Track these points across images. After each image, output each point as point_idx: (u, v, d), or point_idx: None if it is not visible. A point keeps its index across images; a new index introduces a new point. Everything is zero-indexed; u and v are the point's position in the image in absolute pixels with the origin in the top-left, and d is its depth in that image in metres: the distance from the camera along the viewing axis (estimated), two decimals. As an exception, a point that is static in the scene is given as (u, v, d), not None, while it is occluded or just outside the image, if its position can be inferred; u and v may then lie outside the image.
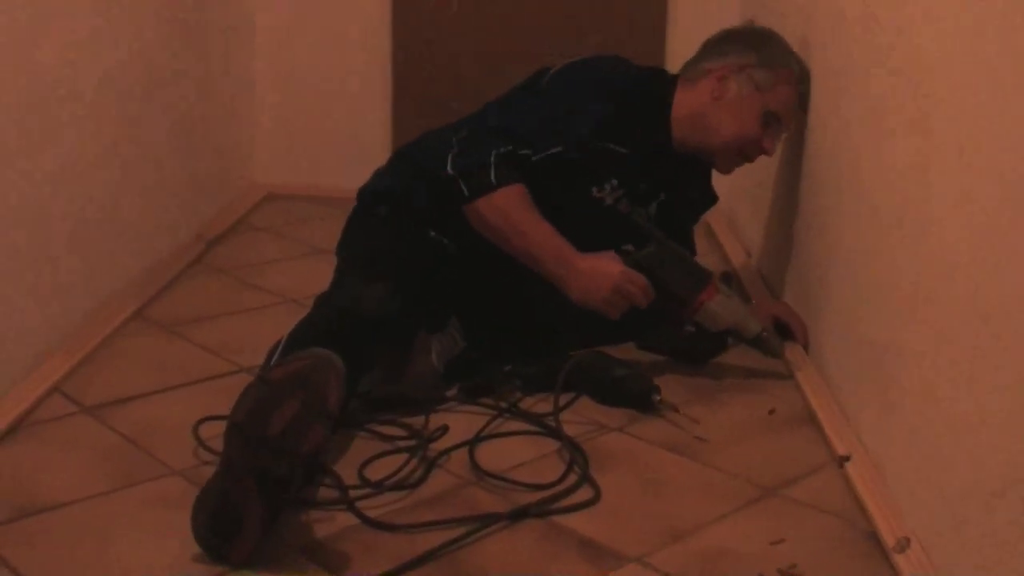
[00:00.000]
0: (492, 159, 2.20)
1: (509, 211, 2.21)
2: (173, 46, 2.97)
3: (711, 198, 2.58)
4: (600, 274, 2.20)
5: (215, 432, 1.92)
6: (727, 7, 3.29)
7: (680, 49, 2.75)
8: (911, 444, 1.68)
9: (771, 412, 2.14)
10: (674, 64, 2.73)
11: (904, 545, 1.61)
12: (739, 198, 3.21)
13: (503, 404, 2.12)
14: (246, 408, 1.59)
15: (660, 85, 2.42)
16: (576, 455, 1.92)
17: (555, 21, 3.58)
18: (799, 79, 2.38)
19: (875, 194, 1.92)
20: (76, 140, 2.40)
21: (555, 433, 2.01)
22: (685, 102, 2.37)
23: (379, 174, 2.44)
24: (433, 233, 2.29)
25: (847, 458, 1.90)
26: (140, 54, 2.74)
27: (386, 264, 2.20)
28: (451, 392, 2.18)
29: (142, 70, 2.76)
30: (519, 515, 1.74)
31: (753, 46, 2.38)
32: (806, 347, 2.36)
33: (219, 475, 1.61)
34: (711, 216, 3.27)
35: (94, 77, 2.48)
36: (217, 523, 1.58)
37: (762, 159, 2.45)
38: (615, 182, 2.33)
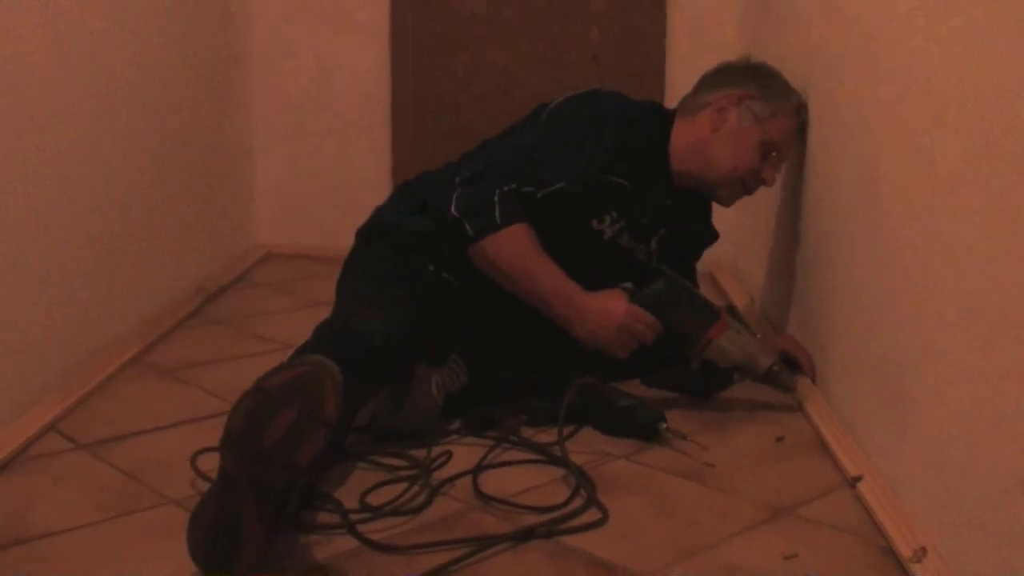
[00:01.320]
0: (496, 198, 2.19)
1: (514, 251, 2.19)
2: (177, 105, 2.98)
3: (712, 234, 2.57)
4: (606, 313, 2.17)
5: (213, 465, 1.89)
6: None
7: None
8: (924, 455, 1.65)
9: (779, 440, 2.11)
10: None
11: (921, 555, 1.56)
12: (741, 242, 3.20)
13: (512, 438, 2.08)
14: (241, 418, 1.54)
15: (658, 118, 2.42)
16: (582, 480, 1.88)
17: (556, 81, 3.59)
18: (797, 110, 2.38)
19: (876, 217, 1.90)
20: (80, 189, 2.39)
21: (560, 460, 1.97)
22: (684, 134, 2.37)
23: (378, 210, 2.42)
24: (432, 267, 2.26)
25: (859, 478, 1.86)
26: (145, 112, 2.75)
27: (386, 294, 2.17)
28: (455, 426, 2.15)
29: (148, 128, 2.77)
30: (525, 536, 1.69)
31: (751, 78, 2.38)
32: (814, 379, 2.32)
33: (215, 488, 1.57)
34: (714, 263, 3.27)
35: (100, 130, 2.48)
36: (215, 538, 1.53)
37: (763, 196, 2.44)
38: (615, 214, 2.32)
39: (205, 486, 1.83)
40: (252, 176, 3.70)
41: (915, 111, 1.72)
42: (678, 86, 3.25)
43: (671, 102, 3.08)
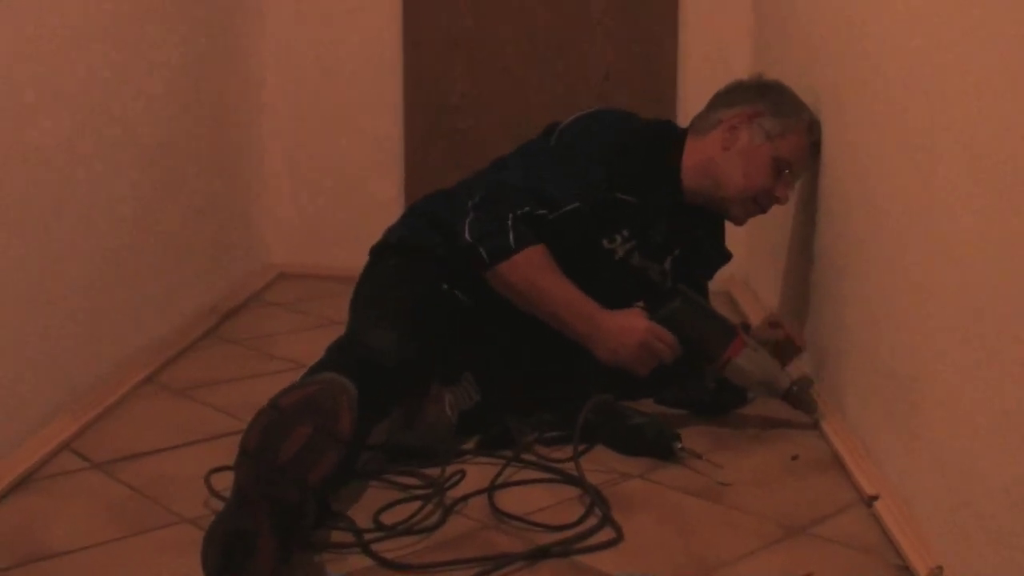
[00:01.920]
0: (510, 222, 2.17)
1: (531, 273, 2.17)
2: (192, 127, 2.99)
3: (724, 255, 2.56)
4: (627, 331, 2.17)
5: (227, 484, 1.89)
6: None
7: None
8: (937, 470, 1.64)
9: (794, 458, 2.10)
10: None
11: (937, 574, 1.55)
12: (754, 258, 3.19)
13: (525, 457, 2.08)
14: (256, 436, 1.55)
15: (669, 136, 2.41)
16: (597, 498, 1.87)
17: (570, 99, 3.59)
18: (809, 128, 2.37)
19: (884, 230, 1.90)
20: (94, 208, 2.40)
21: (574, 479, 1.96)
22: (695, 152, 2.36)
23: (390, 229, 2.42)
24: (446, 286, 2.26)
25: (875, 497, 1.85)
26: (161, 133, 2.76)
27: (398, 312, 2.17)
28: (469, 444, 2.14)
29: (163, 149, 2.78)
30: (540, 555, 1.69)
31: (762, 95, 2.37)
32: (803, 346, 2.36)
33: (230, 506, 1.57)
34: (728, 280, 3.26)
35: (114, 150, 2.49)
36: (229, 555, 1.53)
37: (776, 213, 2.43)
38: (625, 233, 2.31)
39: (219, 505, 1.84)
40: (266, 196, 3.70)
41: (918, 124, 1.72)
42: (690, 103, 3.26)
43: (683, 120, 3.06)
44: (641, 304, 2.25)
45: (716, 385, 2.27)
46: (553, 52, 3.62)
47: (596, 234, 2.30)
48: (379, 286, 2.31)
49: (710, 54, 3.53)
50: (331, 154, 3.76)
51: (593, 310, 2.18)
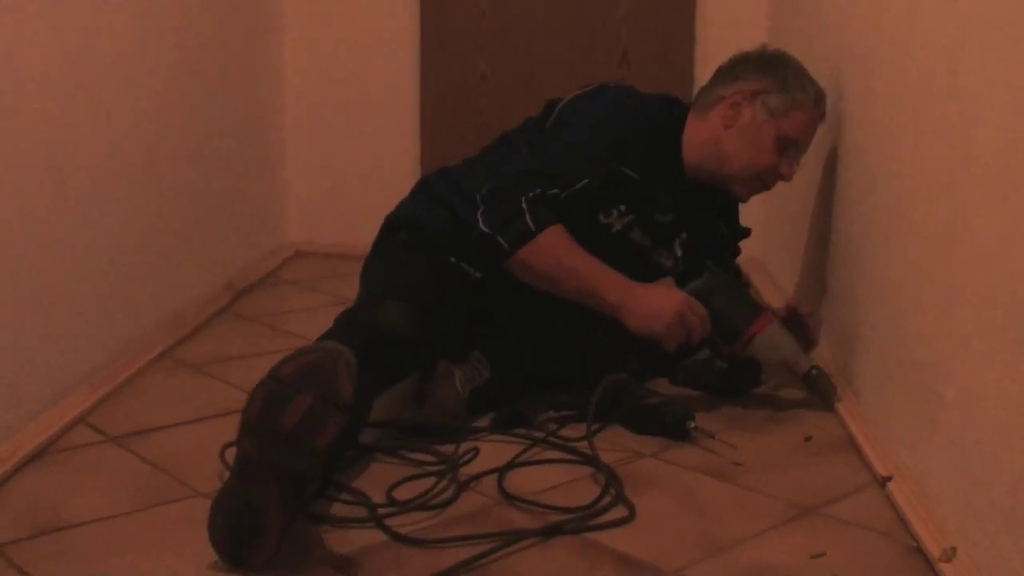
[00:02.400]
0: (524, 205, 2.15)
1: (557, 253, 2.15)
2: (209, 105, 3.00)
3: (740, 232, 2.54)
4: (664, 300, 2.14)
5: (240, 458, 1.91)
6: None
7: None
8: (954, 453, 1.64)
9: (807, 439, 2.10)
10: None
11: (950, 555, 1.55)
12: (771, 242, 3.19)
13: (537, 434, 2.08)
14: (257, 407, 1.55)
15: (671, 111, 2.39)
16: (609, 476, 1.87)
17: (584, 81, 3.58)
18: (815, 102, 2.33)
19: (906, 215, 1.90)
20: (111, 186, 2.41)
21: (588, 459, 1.96)
22: (697, 129, 2.34)
23: (402, 203, 2.42)
24: (454, 259, 2.25)
25: (889, 478, 1.85)
26: (178, 112, 2.77)
27: (407, 285, 2.17)
28: (483, 422, 2.15)
29: (179, 127, 2.79)
30: (552, 531, 1.69)
31: (766, 70, 2.33)
32: (817, 336, 2.36)
33: (235, 476, 1.57)
34: (745, 263, 3.26)
35: (132, 129, 2.50)
36: (236, 524, 1.54)
37: (793, 196, 2.42)
38: (623, 208, 2.29)
39: (233, 480, 1.85)
40: (282, 174, 3.71)
41: (947, 110, 1.71)
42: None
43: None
44: (670, 279, 2.25)
45: (728, 365, 2.27)
46: (570, 35, 3.62)
47: (593, 209, 2.27)
48: (389, 260, 2.31)
49: (726, 37, 3.50)
50: (348, 134, 3.77)
51: (626, 281, 2.15)
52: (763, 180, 2.34)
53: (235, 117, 3.28)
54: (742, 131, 2.29)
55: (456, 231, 2.25)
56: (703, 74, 3.48)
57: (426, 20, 3.67)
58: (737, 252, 2.57)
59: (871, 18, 2.22)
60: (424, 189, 2.43)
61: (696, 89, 3.34)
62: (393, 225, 2.38)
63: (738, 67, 2.37)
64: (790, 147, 2.31)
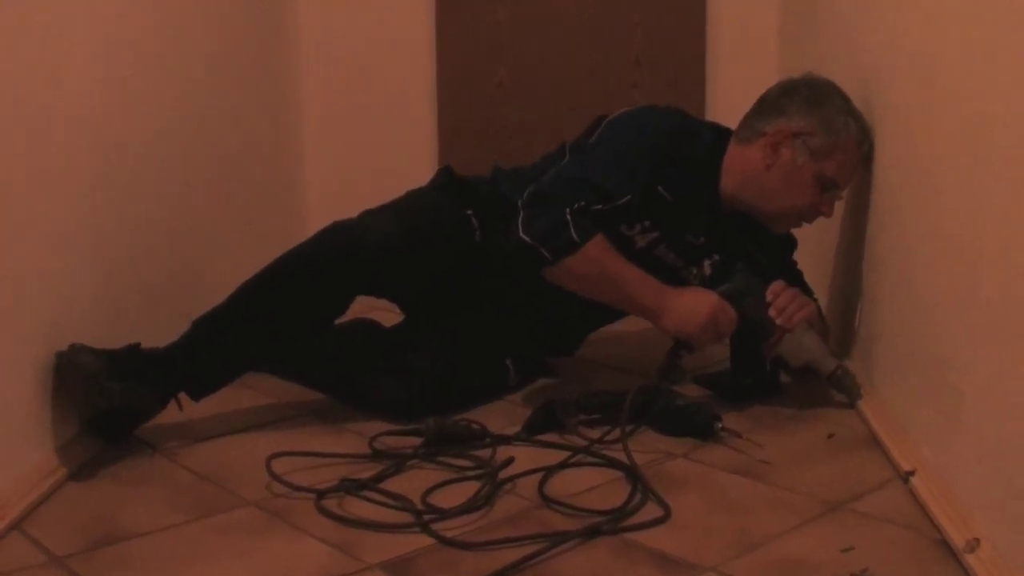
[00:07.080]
0: (568, 217, 2.20)
1: (601, 262, 2.22)
2: (232, 121, 3.06)
3: (791, 242, 2.59)
4: (699, 302, 2.23)
5: (287, 467, 2.00)
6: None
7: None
8: (975, 447, 1.69)
9: (830, 436, 2.16)
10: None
11: (974, 546, 1.62)
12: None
13: (568, 437, 2.16)
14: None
15: (713, 138, 2.42)
16: (643, 478, 1.94)
17: (599, 91, 3.65)
18: (859, 142, 2.31)
19: (926, 213, 1.96)
20: (144, 196, 2.47)
21: (625, 467, 2.01)
22: (737, 160, 2.38)
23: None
24: (470, 211, 2.39)
25: (912, 473, 1.91)
26: (202, 129, 2.83)
27: (408, 208, 2.34)
28: (512, 429, 2.22)
29: (205, 142, 2.85)
30: (592, 533, 1.76)
31: (811, 109, 2.31)
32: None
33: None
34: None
35: (154, 142, 2.56)
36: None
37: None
38: (647, 223, 2.35)
39: (280, 488, 1.94)
40: (301, 180, 3.77)
41: (967, 110, 1.77)
42: (718, 90, 3.31)
43: (711, 105, 3.10)
44: (698, 284, 2.33)
45: (749, 374, 2.36)
46: (583, 38, 3.68)
47: (617, 220, 2.33)
48: (412, 191, 2.48)
49: (737, 38, 3.57)
50: (366, 141, 3.82)
51: (662, 286, 2.25)
52: (803, 217, 2.39)
53: (254, 125, 3.33)
54: (781, 172, 2.32)
55: (489, 195, 2.41)
56: (714, 73, 3.56)
57: (443, 27, 3.73)
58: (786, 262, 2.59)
59: (887, 20, 2.25)
60: (492, 171, 2.57)
61: (708, 88, 3.37)
62: (441, 171, 2.53)
63: (783, 100, 2.36)
64: (831, 187, 2.33)
